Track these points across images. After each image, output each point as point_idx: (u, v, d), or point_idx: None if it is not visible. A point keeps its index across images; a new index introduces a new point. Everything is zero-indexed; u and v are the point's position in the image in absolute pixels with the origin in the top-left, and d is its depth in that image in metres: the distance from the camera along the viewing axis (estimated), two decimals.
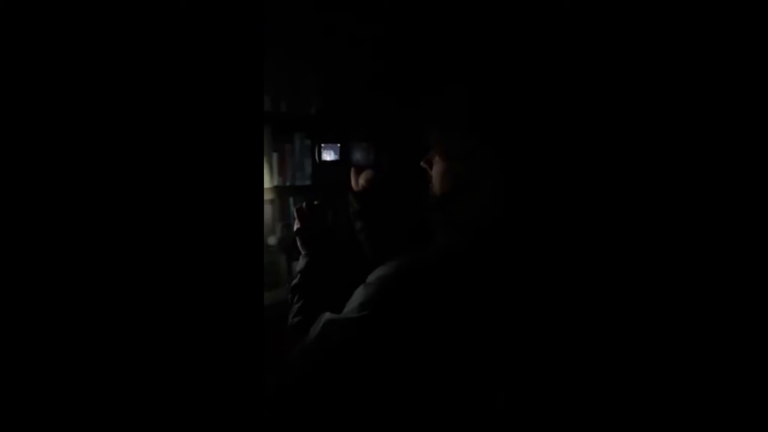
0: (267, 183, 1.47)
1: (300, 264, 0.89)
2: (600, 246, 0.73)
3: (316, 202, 0.93)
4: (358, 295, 0.69)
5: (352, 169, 0.96)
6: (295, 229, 0.90)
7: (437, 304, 0.67)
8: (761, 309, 0.69)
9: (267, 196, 1.48)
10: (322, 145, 0.91)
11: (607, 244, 0.74)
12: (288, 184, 1.54)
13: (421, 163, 0.78)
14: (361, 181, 0.96)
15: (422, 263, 0.70)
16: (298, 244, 0.90)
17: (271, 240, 1.62)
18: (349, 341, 0.66)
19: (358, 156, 0.93)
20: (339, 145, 0.93)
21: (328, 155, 0.93)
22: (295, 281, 0.86)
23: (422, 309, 0.66)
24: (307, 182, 1.58)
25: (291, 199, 1.57)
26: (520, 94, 0.75)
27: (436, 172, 0.75)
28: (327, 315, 0.70)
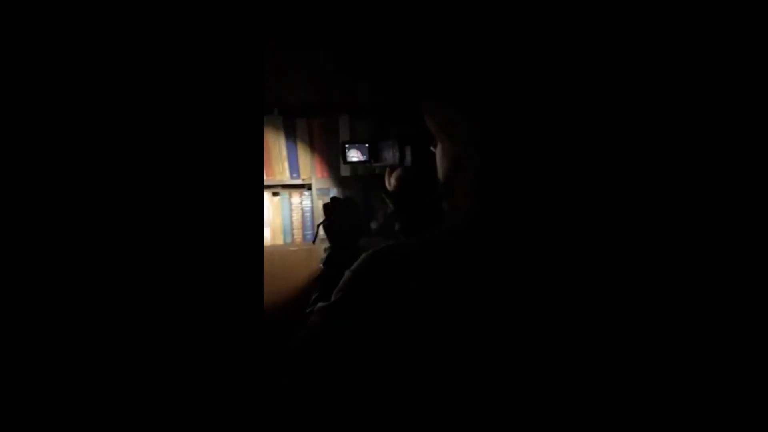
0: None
1: (324, 256, 0.91)
2: (597, 247, 0.60)
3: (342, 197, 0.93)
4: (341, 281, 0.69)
5: (387, 170, 0.92)
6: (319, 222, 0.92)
7: (399, 292, 0.61)
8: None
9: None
10: (347, 145, 0.89)
11: (603, 245, 0.60)
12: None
13: (431, 147, 0.71)
14: (392, 180, 0.91)
15: (394, 249, 0.65)
16: (326, 237, 0.93)
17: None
18: (331, 326, 0.66)
19: (386, 155, 0.88)
20: (367, 145, 0.89)
21: (356, 156, 0.90)
22: (318, 274, 0.89)
23: (383, 294, 0.62)
24: None
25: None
26: (523, 75, 0.60)
27: (437, 154, 0.68)
28: (320, 303, 0.70)
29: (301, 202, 1.73)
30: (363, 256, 0.67)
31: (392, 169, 0.92)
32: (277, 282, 1.68)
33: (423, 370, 0.62)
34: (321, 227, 0.92)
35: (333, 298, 0.66)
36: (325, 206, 0.94)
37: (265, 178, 1.68)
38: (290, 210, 1.72)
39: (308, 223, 1.75)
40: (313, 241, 1.02)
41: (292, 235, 1.73)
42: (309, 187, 1.73)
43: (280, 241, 1.72)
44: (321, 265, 0.90)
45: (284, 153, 1.69)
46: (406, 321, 0.62)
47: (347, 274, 0.67)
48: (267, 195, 1.70)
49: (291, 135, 1.69)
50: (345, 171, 1.70)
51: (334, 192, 1.72)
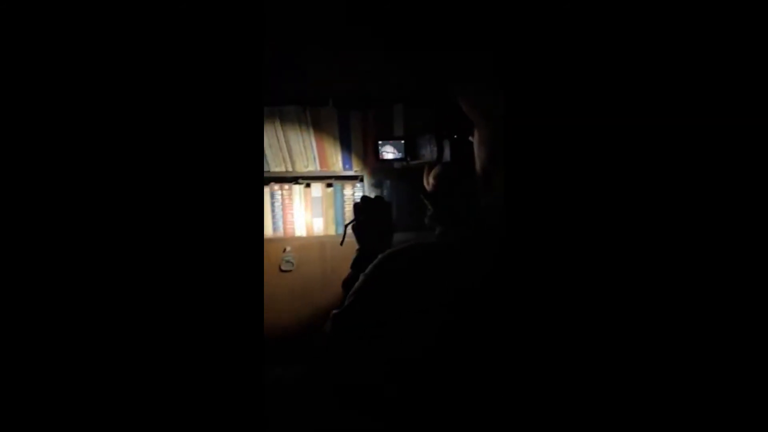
0: None
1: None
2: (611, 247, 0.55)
3: (373, 196, 0.90)
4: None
5: (425, 168, 0.86)
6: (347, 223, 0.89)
7: (418, 293, 0.59)
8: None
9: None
10: (380, 142, 0.84)
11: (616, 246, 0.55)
12: None
13: (470, 138, 0.66)
14: (431, 179, 0.85)
15: (412, 250, 0.63)
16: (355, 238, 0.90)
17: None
18: (339, 332, 0.64)
19: (423, 151, 0.82)
20: (403, 141, 0.84)
21: (391, 153, 0.85)
22: (345, 276, 0.86)
23: (399, 296, 0.60)
24: None
25: None
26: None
27: (474, 143, 0.64)
28: (334, 310, 0.67)
29: (353, 193, 1.71)
30: (379, 257, 0.65)
31: (430, 167, 0.86)
32: (328, 273, 1.69)
33: (450, 374, 0.58)
34: (350, 228, 0.89)
35: (345, 303, 0.64)
36: (355, 206, 0.91)
37: (318, 169, 1.68)
38: (343, 201, 1.71)
39: None
40: (341, 243, 0.99)
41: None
42: (361, 179, 1.71)
43: (332, 232, 1.72)
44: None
45: (338, 145, 1.67)
46: (430, 322, 0.58)
47: (361, 278, 0.65)
48: (320, 186, 1.70)
49: (345, 127, 1.67)
50: (397, 163, 1.65)
51: (386, 184, 1.69)
